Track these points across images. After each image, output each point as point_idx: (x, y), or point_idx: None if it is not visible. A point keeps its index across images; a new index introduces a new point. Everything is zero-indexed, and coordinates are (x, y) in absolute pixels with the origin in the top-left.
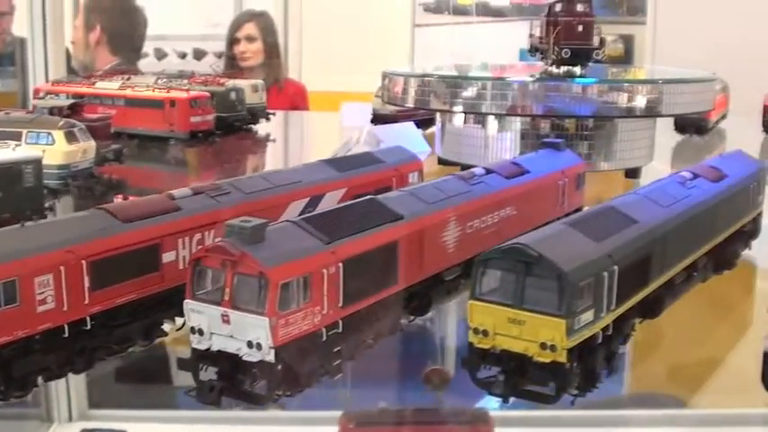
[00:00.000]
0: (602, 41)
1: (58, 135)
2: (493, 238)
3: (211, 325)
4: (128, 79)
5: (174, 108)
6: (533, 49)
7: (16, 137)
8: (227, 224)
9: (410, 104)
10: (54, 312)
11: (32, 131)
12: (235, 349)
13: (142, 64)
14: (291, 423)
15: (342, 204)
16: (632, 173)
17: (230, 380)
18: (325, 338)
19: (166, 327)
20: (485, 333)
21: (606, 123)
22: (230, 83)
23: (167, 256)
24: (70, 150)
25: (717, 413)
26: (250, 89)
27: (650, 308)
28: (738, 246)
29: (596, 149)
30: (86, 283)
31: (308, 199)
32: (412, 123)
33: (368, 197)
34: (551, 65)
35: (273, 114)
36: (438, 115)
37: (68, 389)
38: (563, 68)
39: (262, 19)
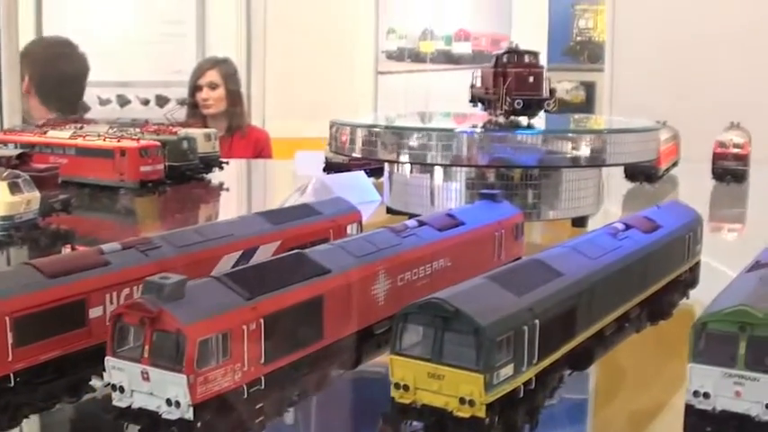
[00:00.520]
0: (551, 92)
1: (1, 186)
2: (425, 291)
3: (132, 382)
4: (80, 128)
5: (123, 157)
6: (476, 100)
7: None
8: (147, 281)
9: (357, 154)
10: None
11: None
12: (155, 407)
13: (105, 111)
14: None
15: (267, 259)
16: (579, 221)
17: None
18: (246, 395)
19: (94, 382)
20: (406, 388)
21: (552, 173)
22: (182, 132)
23: (94, 312)
24: (13, 201)
25: None
26: (203, 138)
27: (578, 360)
28: (675, 296)
29: (542, 199)
30: (10, 340)
31: (240, 252)
32: (363, 172)
33: (294, 251)
34: (503, 115)
35: (227, 163)
36: (386, 165)
37: None
38: (511, 118)
39: (224, 66)
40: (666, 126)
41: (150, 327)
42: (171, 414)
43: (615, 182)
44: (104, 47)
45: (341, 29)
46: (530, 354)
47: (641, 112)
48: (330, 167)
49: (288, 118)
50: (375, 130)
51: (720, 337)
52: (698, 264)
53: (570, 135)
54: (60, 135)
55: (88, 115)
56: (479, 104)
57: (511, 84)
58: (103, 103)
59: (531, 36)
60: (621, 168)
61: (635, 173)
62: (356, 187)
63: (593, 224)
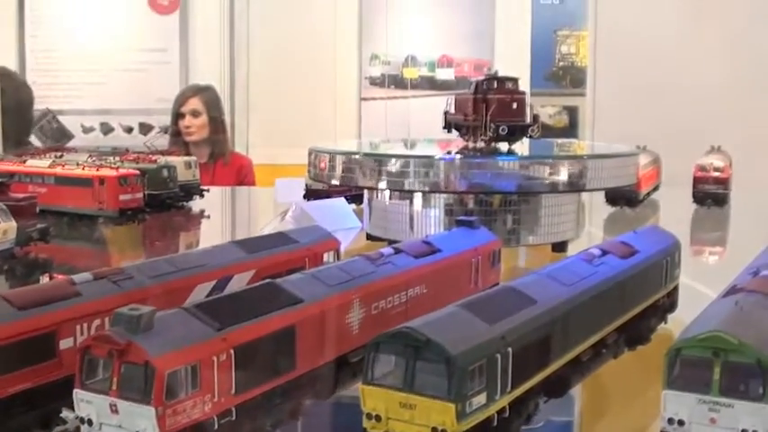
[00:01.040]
0: (535, 118)
1: None
2: (401, 318)
3: (100, 415)
4: (60, 156)
5: (102, 186)
6: (453, 126)
7: None
8: (115, 313)
9: (336, 181)
10: None
11: None
12: None
13: (88, 139)
14: None
15: (238, 289)
16: (559, 246)
17: None
18: (217, 427)
19: (65, 414)
20: (378, 418)
21: (531, 198)
22: (162, 160)
23: (65, 343)
24: None
25: None
26: (183, 166)
27: (554, 387)
28: (653, 320)
29: (522, 224)
30: None
31: (214, 282)
32: (343, 199)
33: (266, 281)
34: (486, 142)
35: (207, 191)
36: (365, 191)
37: None
38: (491, 144)
39: (206, 93)
40: (647, 150)
41: (118, 359)
42: None
43: (596, 206)
44: (88, 75)
45: (324, 55)
46: (503, 382)
47: (623, 136)
48: (310, 194)
49: (271, 144)
50: (354, 157)
51: (694, 363)
52: (676, 288)
53: (549, 161)
54: (39, 164)
55: (71, 143)
56: (454, 131)
57: (495, 110)
58: (87, 131)
59: (514, 61)
60: (602, 193)
61: (615, 197)
62: (336, 214)
63: (576, 248)
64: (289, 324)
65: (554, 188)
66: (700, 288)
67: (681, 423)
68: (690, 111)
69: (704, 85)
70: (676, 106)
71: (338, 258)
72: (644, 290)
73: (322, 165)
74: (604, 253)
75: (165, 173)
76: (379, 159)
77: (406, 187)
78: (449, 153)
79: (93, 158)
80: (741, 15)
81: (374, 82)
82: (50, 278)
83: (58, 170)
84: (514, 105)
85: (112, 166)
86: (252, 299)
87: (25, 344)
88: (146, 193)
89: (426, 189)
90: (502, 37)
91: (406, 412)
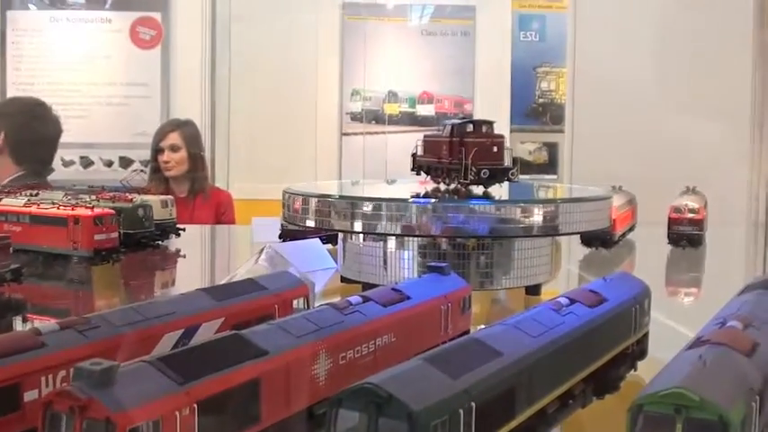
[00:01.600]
0: (515, 161)
1: None
2: (369, 368)
3: None
4: (35, 195)
5: (77, 226)
6: (425, 169)
7: None
8: (76, 367)
9: (310, 224)
10: None
11: None
12: None
13: (68, 172)
14: None
15: (203, 341)
16: (533, 289)
17: None
18: None
19: None
20: None
21: (504, 242)
22: (138, 199)
23: (29, 395)
24: None
25: None
26: (159, 205)
27: None
28: (622, 369)
29: (496, 267)
30: None
31: (182, 330)
32: (318, 240)
33: (231, 332)
34: (468, 184)
35: (183, 230)
36: (339, 233)
37: None
38: (465, 187)
39: (186, 128)
40: (622, 191)
41: (80, 415)
42: None
43: (572, 247)
44: (69, 108)
45: (306, 91)
46: None
47: (600, 174)
48: (286, 234)
49: (252, 180)
50: (327, 199)
51: (657, 419)
52: (646, 336)
53: (522, 205)
54: (14, 202)
55: (52, 176)
56: (423, 173)
57: (476, 154)
58: (67, 164)
59: (494, 98)
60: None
61: (590, 238)
62: (311, 255)
63: (553, 287)
64: (254, 377)
65: (528, 232)
66: (679, 329)
67: None
68: (667, 150)
69: (680, 126)
70: (652, 146)
71: (308, 305)
72: (612, 339)
73: (296, 206)
74: (572, 302)
75: (141, 212)
76: (353, 202)
77: (380, 230)
78: (417, 195)
79: (69, 197)
80: (717, 58)
81: (355, 117)
82: (24, 320)
83: (33, 209)
84: (495, 149)
85: (87, 205)
86: (216, 351)
87: None
88: (121, 232)
89: (399, 232)
90: (482, 73)
91: None
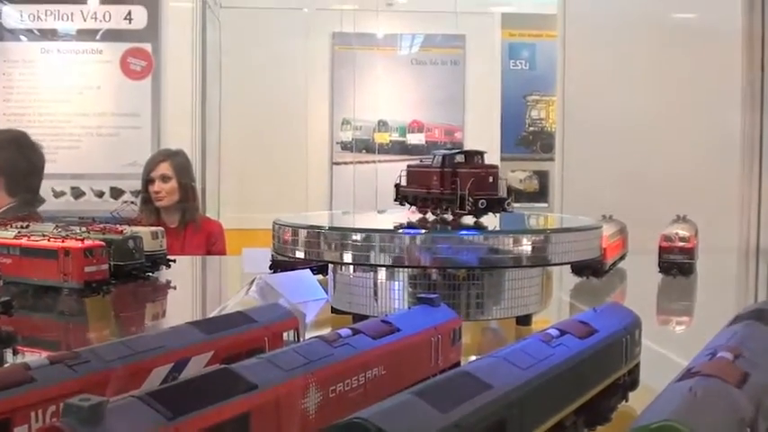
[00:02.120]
0: (509, 191)
1: None
2: (359, 401)
3: None
4: (26, 227)
5: (68, 258)
6: (410, 200)
7: None
8: (65, 404)
9: (300, 255)
10: None
11: None
12: None
13: (59, 203)
14: None
15: (192, 375)
16: (523, 320)
17: None
18: None
19: None
20: None
21: (495, 272)
22: (129, 231)
23: (19, 431)
24: None
25: None
26: (150, 236)
27: None
28: (613, 400)
29: (486, 298)
30: None
31: (172, 364)
32: (308, 270)
33: (220, 366)
34: (457, 215)
35: (174, 261)
36: (330, 264)
37: None
38: (459, 218)
39: (176, 159)
40: (613, 220)
41: None
42: None
43: (563, 276)
44: (59, 139)
45: (296, 120)
46: None
47: (590, 202)
48: (276, 265)
49: (243, 209)
50: (317, 231)
51: None
52: (637, 366)
53: (513, 235)
54: (5, 234)
55: (43, 207)
56: (407, 204)
57: (472, 184)
58: (58, 195)
59: (485, 126)
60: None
61: (581, 267)
62: (302, 286)
63: (545, 316)
64: (243, 411)
65: (518, 262)
66: (671, 358)
67: None
68: (656, 179)
69: (671, 154)
70: (643, 174)
71: (298, 337)
72: (603, 370)
73: (286, 237)
74: (562, 333)
75: (131, 244)
76: (343, 233)
77: (371, 261)
78: (402, 226)
79: (60, 229)
80: (707, 87)
81: (345, 146)
82: (14, 353)
83: (24, 241)
84: (491, 179)
85: (78, 237)
86: (206, 385)
87: None
88: (111, 264)
89: (390, 263)
90: (472, 102)
91: None
